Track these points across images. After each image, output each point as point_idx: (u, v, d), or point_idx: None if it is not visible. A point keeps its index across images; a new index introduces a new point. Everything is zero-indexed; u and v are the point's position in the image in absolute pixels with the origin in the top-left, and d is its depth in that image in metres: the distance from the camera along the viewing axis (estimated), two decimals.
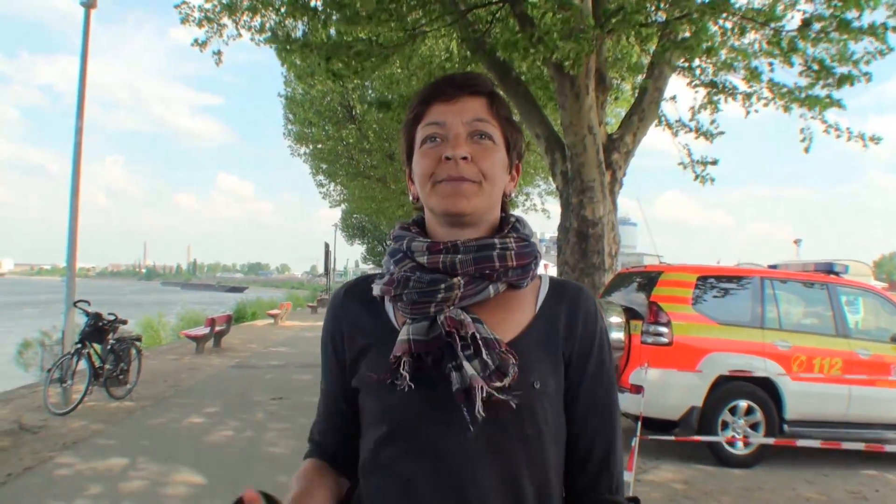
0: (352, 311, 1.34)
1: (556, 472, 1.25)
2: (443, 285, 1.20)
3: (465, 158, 1.22)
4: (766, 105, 10.66)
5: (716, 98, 11.28)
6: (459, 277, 1.21)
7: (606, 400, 1.30)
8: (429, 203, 1.27)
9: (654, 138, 14.09)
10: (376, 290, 1.28)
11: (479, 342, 1.16)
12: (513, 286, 1.28)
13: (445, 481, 1.17)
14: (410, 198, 1.36)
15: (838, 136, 9.87)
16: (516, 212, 1.43)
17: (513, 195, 1.37)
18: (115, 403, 9.36)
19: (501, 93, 1.35)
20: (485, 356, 1.15)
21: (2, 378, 11.69)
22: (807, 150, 10.29)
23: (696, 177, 12.14)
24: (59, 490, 5.69)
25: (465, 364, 1.14)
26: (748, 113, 10.84)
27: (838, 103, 9.47)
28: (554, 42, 8.23)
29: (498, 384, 1.14)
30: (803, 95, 9.78)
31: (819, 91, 9.60)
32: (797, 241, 29.84)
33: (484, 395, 1.13)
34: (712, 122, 11.69)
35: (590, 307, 1.32)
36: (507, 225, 1.32)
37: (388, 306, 1.31)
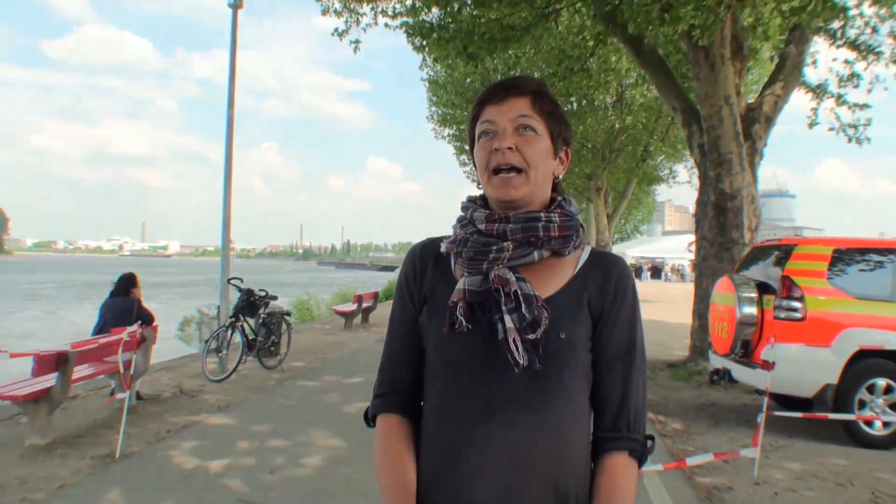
0: (424, 262, 1.61)
1: (581, 408, 1.48)
2: (494, 247, 1.45)
3: (510, 149, 1.46)
4: None
5: (858, 67, 10.66)
6: (509, 242, 1.46)
7: (629, 353, 1.51)
8: (486, 191, 1.53)
9: (810, 103, 13.31)
10: (443, 247, 1.56)
11: (521, 297, 1.41)
12: (556, 253, 1.51)
13: (481, 410, 1.42)
14: (476, 183, 1.59)
15: None
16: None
17: (559, 176, 1.59)
18: (266, 373, 10.12)
19: (547, 91, 1.57)
20: (524, 310, 1.39)
21: (168, 350, 12.84)
22: None
23: (850, 139, 11.50)
24: (213, 445, 6.34)
25: (506, 317, 1.40)
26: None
27: None
28: (681, 13, 8.06)
29: (531, 335, 1.38)
30: None
31: None
32: None
33: (518, 345, 1.38)
34: (855, 85, 10.99)
35: (621, 271, 1.54)
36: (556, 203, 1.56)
37: (452, 263, 1.56)
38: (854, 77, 10.87)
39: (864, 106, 11.16)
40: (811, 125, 11.62)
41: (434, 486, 1.46)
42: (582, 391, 1.47)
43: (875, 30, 9.90)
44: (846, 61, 10.78)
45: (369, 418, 1.63)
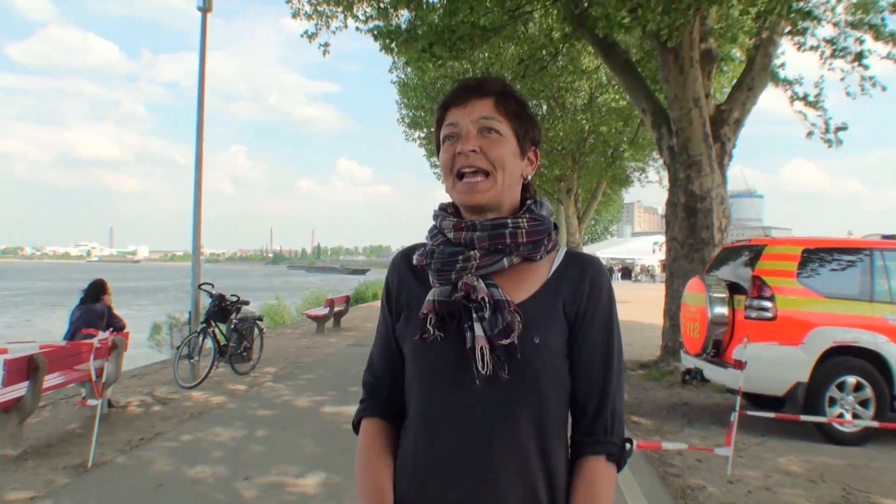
0: (402, 272, 1.60)
1: (557, 413, 1.46)
2: (461, 256, 1.44)
3: (474, 151, 1.44)
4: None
5: (832, 59, 10.80)
6: (476, 251, 1.44)
7: (606, 356, 1.49)
8: (452, 196, 1.51)
9: (778, 104, 13.84)
10: (414, 259, 1.55)
11: (493, 303, 1.39)
12: (528, 258, 1.49)
13: (455, 416, 1.42)
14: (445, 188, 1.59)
15: None
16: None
17: (529, 177, 1.56)
18: (238, 378, 10.04)
19: (513, 90, 1.55)
20: (496, 316, 1.38)
21: (139, 356, 12.71)
22: None
23: (829, 144, 11.70)
24: (186, 453, 6.26)
25: (476, 325, 1.38)
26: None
27: None
28: (649, 13, 8.13)
29: (505, 341, 1.37)
30: None
31: None
32: None
33: (485, 353, 1.37)
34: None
35: (596, 272, 1.51)
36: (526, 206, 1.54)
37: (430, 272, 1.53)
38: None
39: (842, 128, 11.42)
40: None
41: (410, 490, 1.46)
42: (558, 396, 1.46)
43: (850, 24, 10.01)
44: (832, 53, 10.88)
45: (354, 424, 1.64)
